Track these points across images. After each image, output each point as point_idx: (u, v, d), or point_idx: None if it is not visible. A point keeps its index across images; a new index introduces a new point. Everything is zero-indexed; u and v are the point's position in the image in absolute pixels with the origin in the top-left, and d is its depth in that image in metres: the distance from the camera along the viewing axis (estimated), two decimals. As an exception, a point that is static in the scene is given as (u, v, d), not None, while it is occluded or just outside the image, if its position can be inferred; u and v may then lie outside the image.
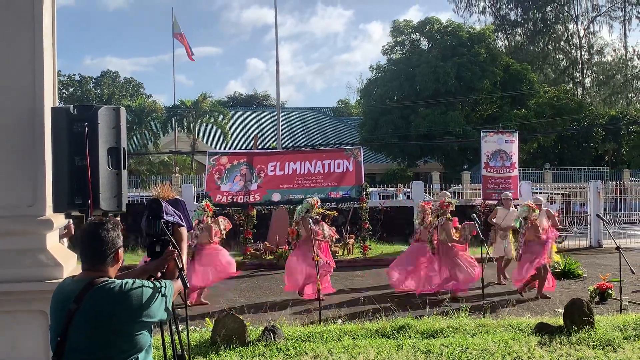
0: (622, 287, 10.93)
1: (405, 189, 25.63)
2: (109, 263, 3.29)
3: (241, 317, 8.32)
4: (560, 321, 8.60)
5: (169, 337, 4.22)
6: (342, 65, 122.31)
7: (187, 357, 4.25)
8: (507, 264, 13.86)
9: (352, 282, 14.29)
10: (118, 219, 3.94)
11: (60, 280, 3.56)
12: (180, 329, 4.45)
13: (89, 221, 3.47)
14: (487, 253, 12.69)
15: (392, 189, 25.89)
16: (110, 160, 4.49)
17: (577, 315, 8.40)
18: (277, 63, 26.77)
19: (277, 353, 7.73)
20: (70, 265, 4.82)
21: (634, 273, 10.93)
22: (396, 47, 44.46)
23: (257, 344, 7.95)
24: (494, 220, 14.48)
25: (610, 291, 11.69)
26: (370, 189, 21.54)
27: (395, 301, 11.55)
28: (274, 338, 8.10)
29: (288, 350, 7.82)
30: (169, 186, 6.58)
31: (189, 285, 3.78)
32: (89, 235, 3.30)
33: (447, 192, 14.89)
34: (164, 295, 3.31)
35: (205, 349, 7.91)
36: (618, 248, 10.81)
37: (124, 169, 4.59)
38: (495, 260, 14.09)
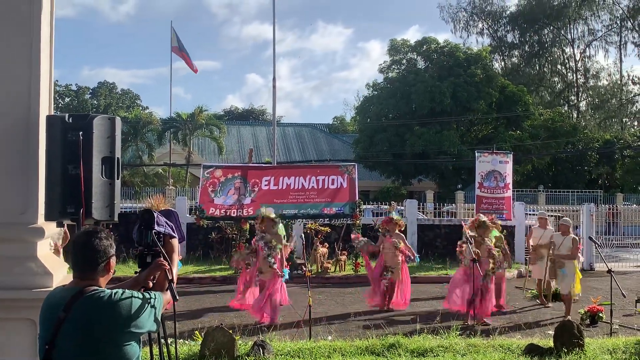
0: (613, 310, 10.92)
1: (398, 207, 25.62)
2: (100, 272, 3.28)
3: (230, 331, 8.28)
4: (551, 343, 8.59)
5: (158, 350, 4.20)
6: (340, 83, 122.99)
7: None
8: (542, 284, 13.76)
9: (342, 299, 14.24)
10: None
11: (50, 289, 3.55)
12: (169, 342, 4.43)
13: (82, 229, 3.46)
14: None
15: (385, 207, 25.86)
16: (103, 170, 4.48)
17: (568, 338, 8.39)
18: (274, 78, 26.87)
19: (266, 368, 7.69)
20: (60, 274, 4.80)
21: (625, 297, 10.96)
22: (393, 66, 44.63)
23: (246, 359, 7.90)
24: (530, 241, 14.34)
25: (601, 314, 11.69)
26: (364, 206, 21.53)
27: (386, 319, 11.52)
28: (263, 353, 8.06)
29: (277, 365, 7.78)
30: (163, 198, 6.57)
31: (178, 298, 3.76)
32: (81, 243, 3.29)
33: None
34: (153, 306, 3.30)
35: (193, 362, 7.87)
36: (610, 271, 10.82)
37: (117, 178, 4.58)
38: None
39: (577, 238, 12.83)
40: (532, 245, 14.02)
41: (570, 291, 12.29)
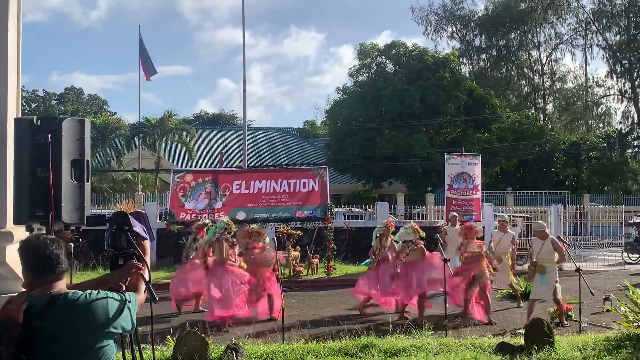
0: (582, 308, 11.09)
1: (369, 210, 25.72)
2: (62, 274, 3.24)
3: (203, 335, 8.23)
4: (521, 341, 8.69)
5: (130, 354, 4.16)
6: (312, 88, 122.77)
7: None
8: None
9: (315, 302, 14.25)
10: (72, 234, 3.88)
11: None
12: (141, 346, 4.39)
13: (33, 236, 3.38)
14: None
15: (357, 210, 25.98)
16: (73, 173, 4.44)
17: (538, 336, 8.49)
18: (244, 82, 26.85)
19: (239, 372, 7.66)
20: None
21: (593, 295, 11.12)
22: (362, 70, 44.81)
23: (219, 363, 7.86)
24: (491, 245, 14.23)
25: (570, 313, 11.85)
26: (335, 209, 21.58)
27: (359, 320, 11.55)
28: (237, 357, 8.03)
29: (250, 368, 7.76)
30: (132, 203, 6.53)
31: (157, 299, 3.72)
32: (36, 250, 3.24)
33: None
34: (129, 306, 3.28)
35: (166, 367, 7.80)
36: (578, 270, 10.97)
37: (87, 181, 4.54)
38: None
39: (555, 239, 12.08)
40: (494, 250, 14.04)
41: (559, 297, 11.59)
